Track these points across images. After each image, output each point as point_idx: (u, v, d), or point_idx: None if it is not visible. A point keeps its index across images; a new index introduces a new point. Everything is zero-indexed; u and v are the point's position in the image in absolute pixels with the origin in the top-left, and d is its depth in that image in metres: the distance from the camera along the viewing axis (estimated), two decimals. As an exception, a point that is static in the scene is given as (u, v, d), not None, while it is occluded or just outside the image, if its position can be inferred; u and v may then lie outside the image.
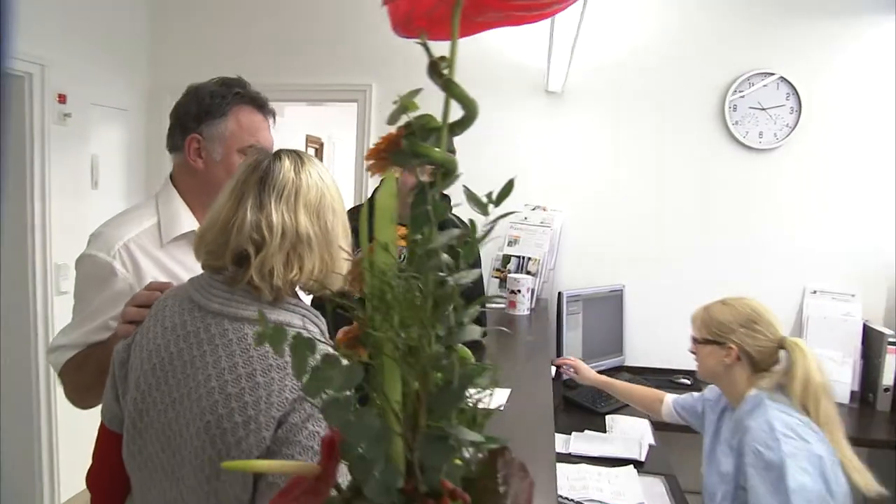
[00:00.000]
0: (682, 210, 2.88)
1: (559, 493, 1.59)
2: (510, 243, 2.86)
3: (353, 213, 2.22)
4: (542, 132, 2.95)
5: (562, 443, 1.98)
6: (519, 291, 2.58)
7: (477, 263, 2.16)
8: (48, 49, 2.66)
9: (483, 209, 0.56)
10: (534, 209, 2.93)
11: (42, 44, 2.64)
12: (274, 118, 1.40)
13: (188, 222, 1.33)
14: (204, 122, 1.30)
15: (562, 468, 1.78)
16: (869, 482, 1.44)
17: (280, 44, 3.20)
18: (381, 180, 0.54)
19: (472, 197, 0.53)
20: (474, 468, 0.55)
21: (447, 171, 0.52)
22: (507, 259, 2.82)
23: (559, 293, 2.59)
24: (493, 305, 2.71)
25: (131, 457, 0.94)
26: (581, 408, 2.38)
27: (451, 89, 0.51)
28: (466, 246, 0.57)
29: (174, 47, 3.36)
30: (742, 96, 2.80)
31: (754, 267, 2.80)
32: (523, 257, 2.80)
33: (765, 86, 2.78)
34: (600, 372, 2.35)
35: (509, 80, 2.95)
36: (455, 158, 0.54)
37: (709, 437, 1.71)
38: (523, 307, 2.59)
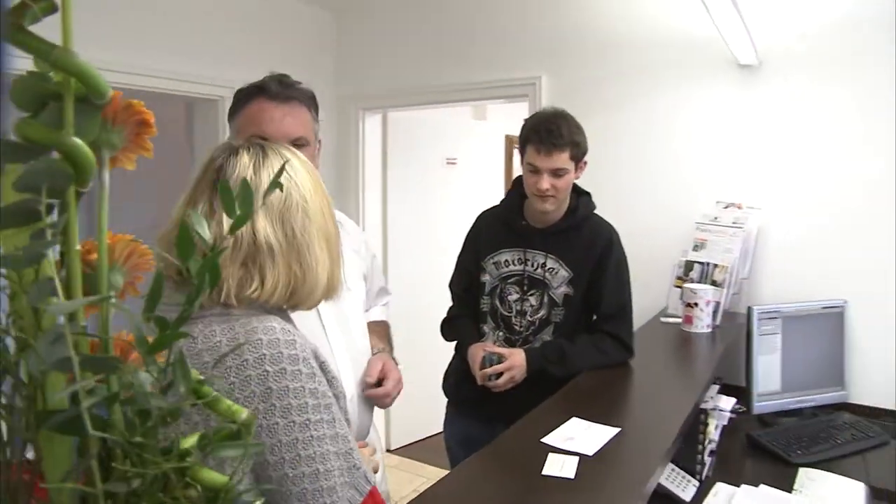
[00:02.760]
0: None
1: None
2: (695, 247, 2.44)
3: (481, 217, 2.07)
4: (735, 114, 2.46)
5: (724, 499, 1.59)
6: (696, 305, 2.18)
7: (621, 267, 1.85)
8: (238, 72, 2.95)
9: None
10: (726, 207, 2.46)
11: (232, 69, 2.95)
12: (309, 107, 1.36)
13: None
14: (231, 120, 1.35)
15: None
16: None
17: (449, 44, 3.16)
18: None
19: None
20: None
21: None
22: (689, 266, 2.41)
23: (748, 308, 2.12)
24: (671, 319, 2.34)
25: None
26: (768, 453, 1.91)
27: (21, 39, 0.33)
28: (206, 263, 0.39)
29: (359, 58, 3.53)
30: None
31: None
32: (707, 264, 2.36)
33: None
34: (806, 410, 1.85)
35: (688, 57, 2.52)
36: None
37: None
38: (702, 324, 2.18)
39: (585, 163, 1.82)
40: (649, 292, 2.54)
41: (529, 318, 1.88)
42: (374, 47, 3.46)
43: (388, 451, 3.92)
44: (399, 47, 3.35)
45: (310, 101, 1.39)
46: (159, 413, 0.38)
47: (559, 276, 1.85)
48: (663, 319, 2.36)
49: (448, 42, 3.16)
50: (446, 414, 2.08)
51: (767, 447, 1.93)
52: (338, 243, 0.89)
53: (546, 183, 1.72)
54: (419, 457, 3.78)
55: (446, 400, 2.08)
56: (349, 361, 1.38)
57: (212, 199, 0.81)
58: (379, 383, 1.40)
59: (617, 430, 1.32)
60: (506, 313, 1.92)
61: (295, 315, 1.27)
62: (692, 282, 2.34)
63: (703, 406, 1.82)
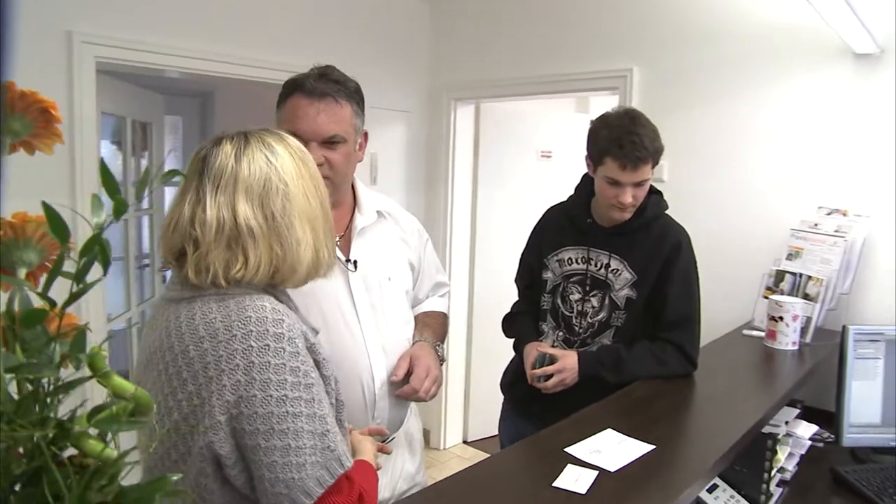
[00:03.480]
0: None
1: None
2: (789, 256, 2.23)
3: (548, 212, 2.01)
4: (845, 109, 2.20)
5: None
6: (781, 319, 1.99)
7: (689, 273, 1.73)
8: (322, 61, 3.06)
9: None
10: (829, 213, 2.22)
11: (316, 57, 3.04)
12: (350, 101, 1.35)
13: None
14: (276, 114, 1.36)
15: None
16: None
17: (541, 35, 3.08)
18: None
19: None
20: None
21: None
22: (780, 276, 2.21)
23: (843, 327, 1.89)
24: (754, 333, 2.15)
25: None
26: (856, 493, 1.70)
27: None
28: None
29: (453, 48, 3.54)
30: None
31: None
32: (800, 275, 2.15)
33: None
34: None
35: (792, 46, 2.28)
36: None
37: None
38: (787, 340, 1.99)
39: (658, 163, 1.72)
40: (735, 302, 2.36)
41: (589, 320, 1.81)
42: (467, 38, 3.46)
43: (464, 442, 3.96)
44: (491, 38, 3.33)
45: (351, 96, 1.38)
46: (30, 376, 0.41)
47: (622, 277, 1.76)
48: (746, 332, 2.18)
49: (540, 33, 3.09)
50: (501, 410, 2.06)
51: (855, 486, 1.72)
52: (325, 224, 0.91)
53: (629, 196, 1.65)
54: (494, 451, 3.77)
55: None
56: (380, 349, 1.39)
57: (198, 187, 0.85)
58: (407, 378, 1.39)
59: (651, 447, 1.24)
60: (567, 313, 1.86)
61: (329, 303, 1.32)
62: (781, 293, 2.14)
63: (771, 430, 1.67)
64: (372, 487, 0.93)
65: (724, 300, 2.42)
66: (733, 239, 2.47)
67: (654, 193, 1.82)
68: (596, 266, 1.80)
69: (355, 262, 1.41)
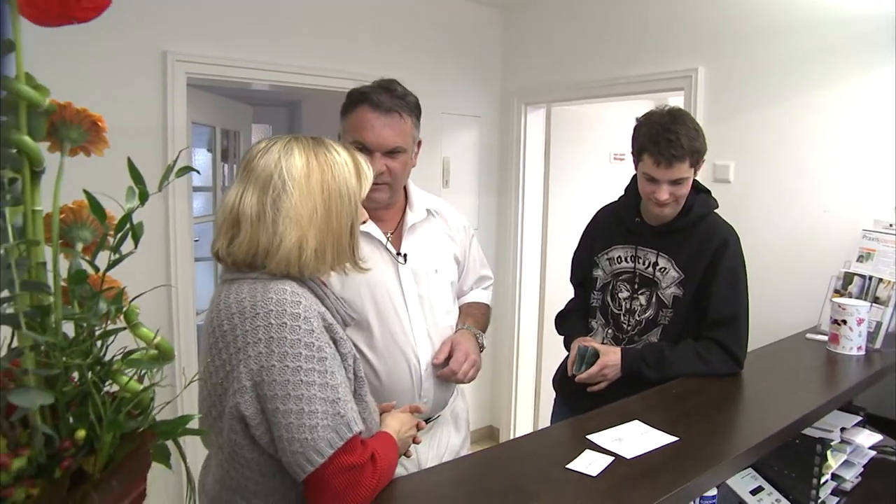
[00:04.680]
0: None
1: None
2: (860, 258, 2.14)
3: (599, 212, 2.04)
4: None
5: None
6: (844, 322, 1.92)
7: (736, 272, 1.71)
8: (397, 70, 3.21)
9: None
10: (905, 214, 2.11)
11: (395, 66, 3.20)
12: (411, 115, 1.48)
13: None
14: (341, 119, 1.50)
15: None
16: None
17: (608, 37, 3.10)
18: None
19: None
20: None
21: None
22: (849, 279, 2.12)
23: (911, 333, 1.81)
24: (818, 337, 2.08)
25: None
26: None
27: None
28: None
29: (523, 54, 3.61)
30: None
31: None
32: (870, 278, 2.05)
33: None
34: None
35: (868, 38, 2.18)
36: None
37: None
38: (851, 344, 1.92)
39: (703, 161, 1.72)
40: (802, 306, 2.29)
41: (637, 318, 1.84)
42: (537, 43, 3.51)
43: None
44: (561, 42, 3.37)
45: (412, 110, 1.51)
46: (82, 323, 0.55)
47: (669, 276, 1.78)
48: (809, 336, 2.11)
49: (608, 36, 3.10)
50: (553, 405, 2.11)
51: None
52: (328, 228, 1.00)
53: (665, 193, 1.68)
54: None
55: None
56: (425, 335, 1.53)
57: (244, 181, 1.00)
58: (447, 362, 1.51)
59: (674, 439, 1.27)
60: (616, 311, 1.89)
61: (381, 292, 1.47)
62: (850, 297, 2.06)
63: (823, 436, 1.62)
64: (388, 453, 1.03)
65: (792, 303, 2.35)
66: (803, 240, 2.39)
67: (702, 192, 1.82)
68: (644, 264, 1.83)
69: (405, 255, 1.54)
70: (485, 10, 3.62)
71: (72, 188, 0.58)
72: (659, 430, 1.31)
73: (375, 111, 1.44)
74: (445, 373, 1.51)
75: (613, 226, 1.92)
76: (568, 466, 1.13)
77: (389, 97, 1.45)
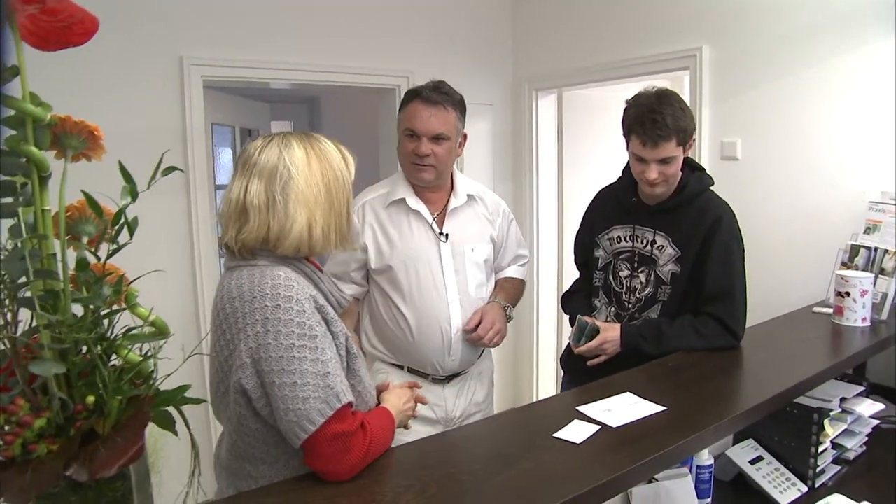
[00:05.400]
0: None
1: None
2: (867, 230, 2.14)
3: (599, 193, 2.09)
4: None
5: None
6: (848, 294, 1.94)
7: (730, 247, 1.75)
8: (412, 62, 3.30)
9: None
10: (912, 184, 2.10)
11: (408, 59, 3.29)
12: (455, 109, 1.78)
13: (402, 191, 1.85)
14: (398, 114, 1.83)
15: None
16: None
17: (613, 19, 3.11)
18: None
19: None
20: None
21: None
22: (855, 251, 2.13)
23: (911, 303, 1.82)
24: (823, 310, 2.09)
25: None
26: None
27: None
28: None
29: (533, 40, 3.64)
30: None
31: None
32: (875, 249, 2.06)
33: None
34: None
35: (865, 12, 2.17)
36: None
37: None
38: (855, 316, 1.93)
39: (694, 140, 1.76)
40: (810, 280, 2.30)
41: (637, 295, 1.89)
42: (546, 28, 3.54)
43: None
44: (570, 26, 3.39)
45: (456, 105, 1.81)
46: (88, 304, 0.64)
47: (666, 253, 1.82)
48: (816, 310, 2.13)
49: (616, 18, 3.11)
50: (561, 382, 2.18)
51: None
52: (331, 209, 1.11)
53: (654, 173, 1.72)
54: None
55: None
56: (458, 303, 1.84)
57: (245, 176, 1.10)
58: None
59: (661, 409, 1.32)
60: (617, 289, 1.94)
61: (423, 265, 1.79)
62: (856, 269, 2.07)
63: (822, 405, 1.66)
64: (381, 423, 1.12)
65: (801, 278, 2.37)
66: (811, 215, 2.39)
67: (697, 170, 1.86)
68: (642, 243, 1.87)
69: (447, 234, 1.85)
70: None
71: (97, 186, 0.68)
72: (649, 400, 1.37)
73: (424, 104, 1.75)
74: (473, 337, 1.81)
75: (612, 206, 1.97)
76: (554, 435, 1.20)
77: (437, 93, 1.77)
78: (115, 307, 0.68)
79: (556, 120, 3.78)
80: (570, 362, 2.05)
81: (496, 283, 2.02)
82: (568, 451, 1.15)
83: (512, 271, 2.08)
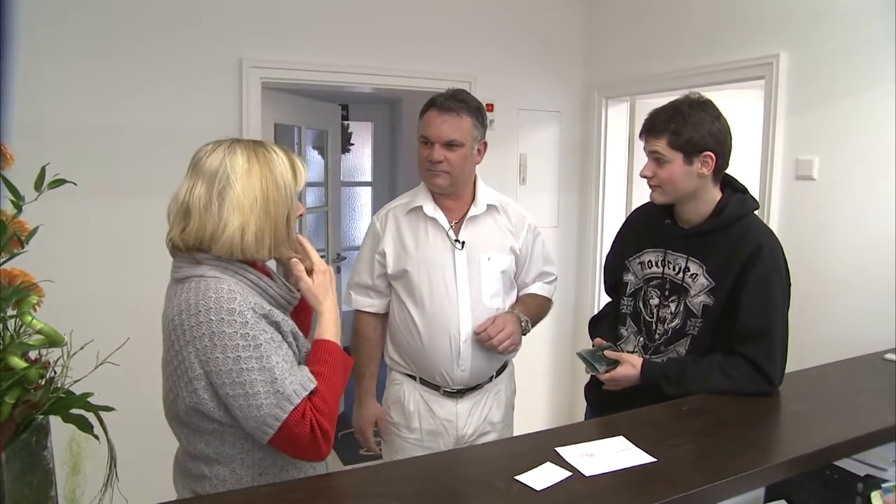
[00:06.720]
0: None
1: None
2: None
3: (632, 214, 1.93)
4: None
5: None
6: None
7: (770, 281, 1.54)
8: (475, 68, 3.23)
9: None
10: None
11: (471, 64, 3.23)
12: (471, 116, 1.77)
13: (421, 199, 1.85)
14: (418, 121, 1.83)
15: None
16: None
17: (688, 27, 2.90)
18: None
19: None
20: None
21: None
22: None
23: None
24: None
25: None
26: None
27: None
28: None
29: (605, 47, 3.47)
30: None
31: None
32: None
33: None
34: None
35: None
36: None
37: None
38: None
39: (710, 156, 1.58)
40: (887, 319, 2.01)
41: (665, 326, 1.73)
42: (619, 35, 3.37)
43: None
44: (643, 34, 3.20)
45: (471, 111, 1.79)
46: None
47: (699, 283, 1.65)
48: (888, 356, 1.85)
49: (690, 25, 2.90)
50: (585, 413, 2.05)
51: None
52: (267, 216, 1.12)
53: (647, 169, 1.68)
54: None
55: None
56: (469, 311, 1.80)
57: (193, 177, 1.12)
58: None
59: (651, 460, 1.19)
60: (648, 318, 1.79)
61: (437, 270, 1.79)
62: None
63: (871, 472, 1.43)
64: (330, 390, 1.12)
65: (875, 316, 2.08)
66: (894, 245, 2.09)
67: (740, 191, 1.67)
68: (674, 269, 1.71)
69: (463, 242, 1.83)
70: (569, 4, 3.52)
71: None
72: (640, 448, 1.23)
73: (438, 111, 1.77)
74: (482, 337, 1.76)
75: (645, 228, 1.82)
76: (516, 477, 1.10)
77: (452, 101, 1.77)
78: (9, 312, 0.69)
79: (626, 129, 3.58)
80: (594, 394, 1.91)
81: (518, 297, 1.96)
82: (523, 497, 1.05)
83: (537, 288, 2.01)
